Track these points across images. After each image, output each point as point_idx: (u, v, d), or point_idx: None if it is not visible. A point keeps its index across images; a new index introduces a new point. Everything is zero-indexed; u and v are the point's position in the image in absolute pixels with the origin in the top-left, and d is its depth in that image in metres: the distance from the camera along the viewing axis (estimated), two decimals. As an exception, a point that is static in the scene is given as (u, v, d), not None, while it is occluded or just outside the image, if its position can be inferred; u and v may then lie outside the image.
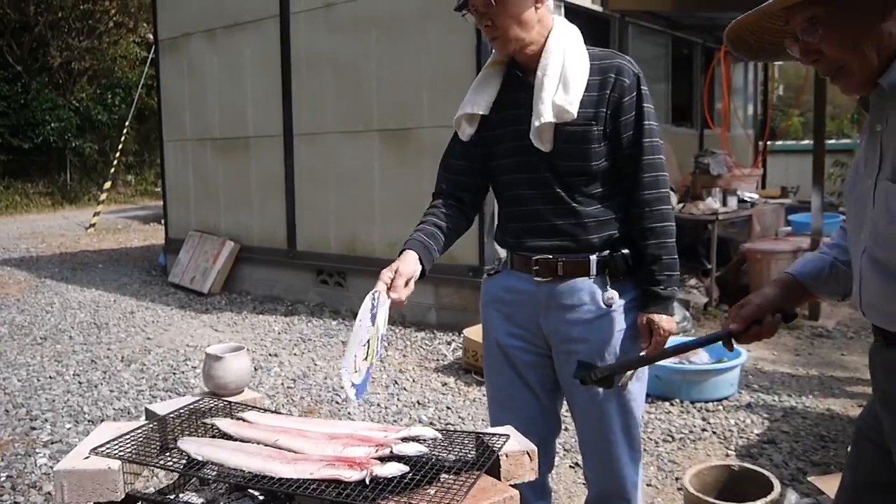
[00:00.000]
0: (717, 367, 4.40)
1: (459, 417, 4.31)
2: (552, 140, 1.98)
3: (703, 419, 4.12)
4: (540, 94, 1.95)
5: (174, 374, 5.06)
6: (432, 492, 1.37)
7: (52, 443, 3.89)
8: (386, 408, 4.44)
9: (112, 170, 15.92)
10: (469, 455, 1.55)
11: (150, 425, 1.70)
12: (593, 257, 2.03)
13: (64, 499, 1.51)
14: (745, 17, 1.37)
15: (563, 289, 2.05)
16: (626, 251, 2.05)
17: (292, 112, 7.11)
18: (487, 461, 1.48)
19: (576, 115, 1.93)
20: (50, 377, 4.98)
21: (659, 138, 2.03)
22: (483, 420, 4.25)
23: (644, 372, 2.17)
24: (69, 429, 4.09)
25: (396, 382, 4.91)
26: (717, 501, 2.63)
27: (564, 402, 2.25)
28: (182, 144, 8.37)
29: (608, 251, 2.04)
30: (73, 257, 10.36)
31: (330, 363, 5.32)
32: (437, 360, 5.37)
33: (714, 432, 3.96)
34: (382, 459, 1.47)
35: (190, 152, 8.27)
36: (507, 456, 1.53)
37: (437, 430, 1.62)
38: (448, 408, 4.46)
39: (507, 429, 1.67)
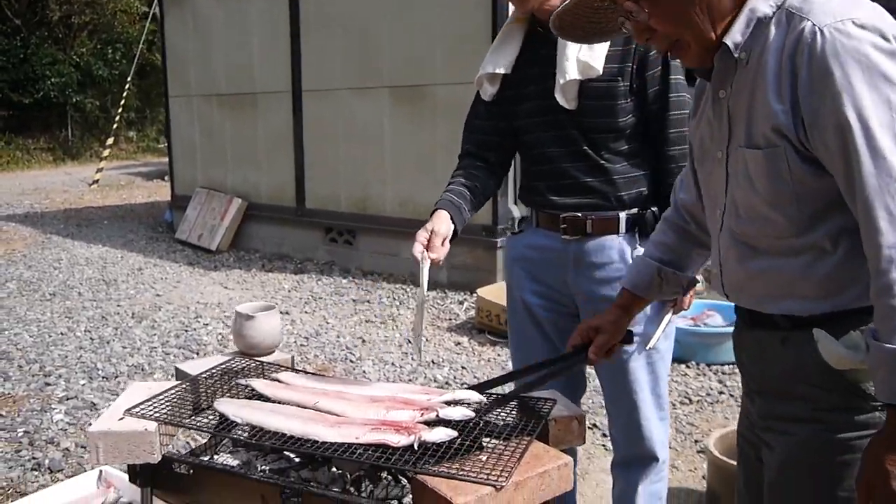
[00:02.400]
0: (731, 330, 4.36)
1: (475, 377, 4.28)
2: (577, 97, 1.91)
3: (720, 381, 4.10)
4: (564, 50, 1.88)
5: (186, 331, 5.02)
6: (483, 458, 1.33)
7: (67, 399, 3.87)
8: (400, 367, 4.42)
9: (114, 126, 15.72)
10: (515, 420, 1.51)
11: (183, 386, 1.66)
12: (623, 214, 1.98)
13: (99, 459, 1.47)
14: (566, 5, 1.31)
15: (591, 247, 2.00)
16: (655, 209, 2.00)
17: (301, 67, 6.97)
18: (537, 426, 1.44)
19: (601, 70, 1.87)
20: (61, 333, 4.95)
21: (685, 93, 1.96)
22: (498, 380, 4.22)
23: (672, 330, 2.13)
24: (83, 385, 4.07)
25: (409, 342, 4.88)
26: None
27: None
28: (188, 100, 8.24)
29: (637, 208, 1.99)
30: (78, 213, 10.28)
31: (341, 321, 5.28)
32: (450, 319, 5.34)
33: (731, 395, 3.93)
34: (428, 424, 1.43)
35: (196, 108, 8.14)
36: (555, 421, 1.49)
37: (480, 392, 1.57)
38: (462, 367, 4.43)
39: (552, 392, 1.62)
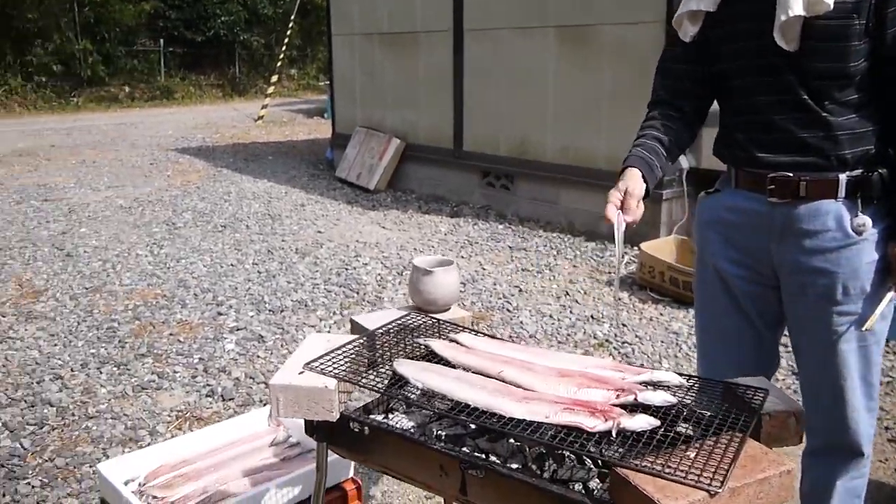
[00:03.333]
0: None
1: (636, 336, 4.09)
2: (800, 37, 1.64)
3: (915, 361, 3.69)
4: None
5: (346, 269, 5.12)
6: (691, 455, 1.18)
7: (237, 329, 4.04)
8: (559, 320, 4.29)
9: (278, 63, 16.28)
10: (721, 411, 1.34)
11: (360, 341, 1.60)
12: (843, 176, 1.71)
13: (279, 412, 1.45)
14: None
15: (803, 212, 1.75)
16: (883, 171, 1.71)
17: (463, 6, 6.80)
18: (750, 421, 1.27)
19: (832, 5, 1.58)
20: (231, 265, 5.18)
21: None
22: (662, 341, 4.02)
23: (890, 310, 1.86)
24: (252, 316, 4.23)
25: (567, 294, 4.74)
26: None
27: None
28: (349, 39, 8.30)
29: (861, 169, 1.71)
30: (245, 148, 10.75)
31: (498, 268, 5.20)
32: (609, 272, 5.13)
33: (929, 377, 3.53)
34: (624, 407, 1.29)
35: (357, 47, 8.19)
36: (769, 416, 1.31)
37: (679, 374, 1.41)
38: (623, 325, 4.25)
39: (760, 380, 1.44)
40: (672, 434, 1.25)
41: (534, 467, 1.41)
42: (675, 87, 1.92)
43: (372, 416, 1.54)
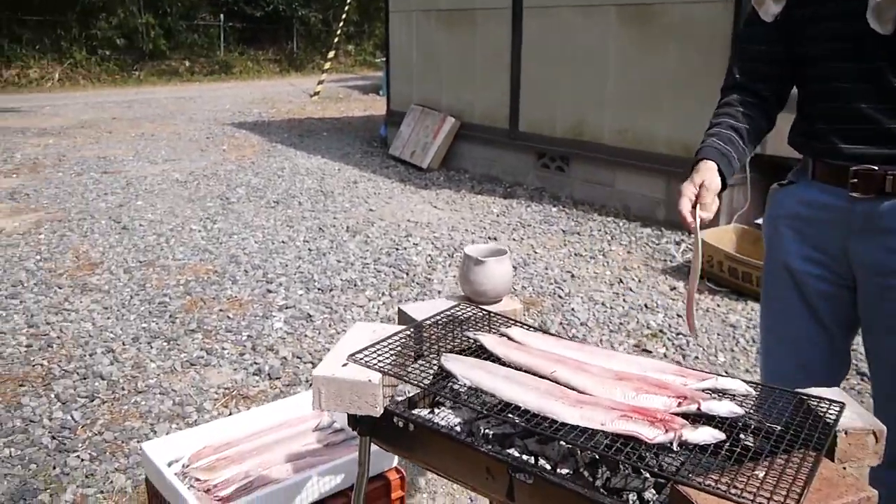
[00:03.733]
0: None
1: (692, 328, 3.95)
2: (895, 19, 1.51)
3: None
4: None
5: (396, 249, 5.08)
6: (760, 474, 1.08)
7: (286, 307, 4.03)
8: (611, 308, 4.18)
9: (335, 39, 16.29)
10: (790, 424, 1.24)
11: (407, 332, 1.54)
12: None
13: (321, 405, 1.40)
14: None
15: (887, 208, 1.62)
16: None
17: (523, -18, 6.66)
18: (825, 438, 1.17)
19: None
20: (282, 242, 5.18)
21: None
22: (718, 334, 3.88)
23: None
24: (301, 295, 4.22)
25: (621, 281, 4.61)
26: None
27: None
28: (407, 15, 8.21)
29: None
30: (300, 124, 10.79)
31: (549, 252, 5.10)
32: (665, 260, 4.98)
33: None
34: (686, 417, 1.20)
35: (414, 24, 8.10)
36: (846, 433, 1.21)
37: (745, 382, 1.31)
38: (678, 315, 4.12)
39: (835, 392, 1.33)
40: (738, 449, 1.15)
41: (586, 474, 1.33)
42: (754, 70, 1.80)
43: (417, 411, 1.48)
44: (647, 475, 1.28)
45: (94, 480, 2.50)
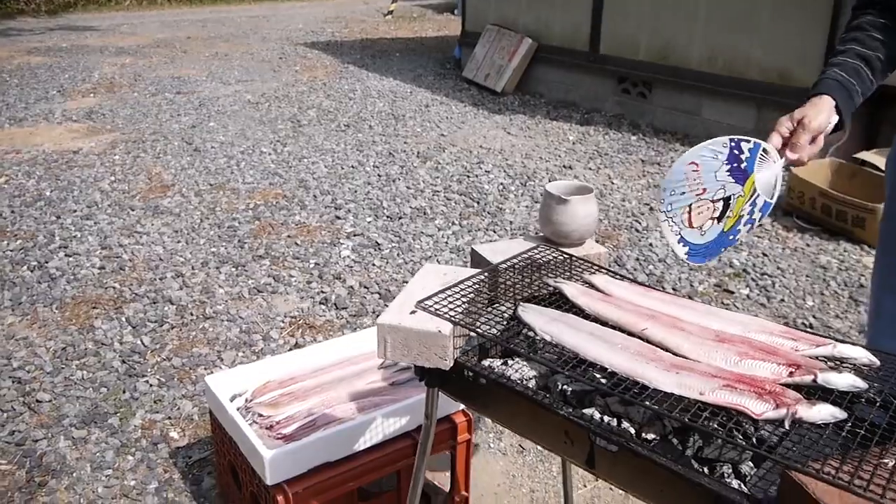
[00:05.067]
0: None
1: (778, 268, 3.72)
2: None
3: None
4: None
5: (468, 176, 4.92)
6: (889, 464, 0.93)
7: (354, 235, 3.96)
8: (693, 245, 3.95)
9: (410, -45, 15.79)
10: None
11: (481, 277, 1.41)
12: None
13: (387, 354, 1.29)
14: None
15: None
16: None
17: None
18: (966, 422, 1.00)
19: None
20: (352, 167, 5.08)
21: None
22: (807, 276, 3.64)
23: None
24: (369, 222, 4.14)
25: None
26: None
27: None
28: (485, -72, 7.80)
29: None
30: (373, 44, 10.56)
31: (627, 182, 4.87)
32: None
33: None
34: (799, 389, 1.05)
35: (493, -63, 7.70)
36: None
37: (865, 348, 1.14)
38: (764, 254, 3.87)
39: (975, 363, 1.15)
40: (862, 431, 1.00)
41: (675, 441, 1.19)
42: None
43: (489, 362, 1.36)
44: (728, 435, 1.13)
45: (163, 406, 2.51)
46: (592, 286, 1.37)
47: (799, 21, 4.89)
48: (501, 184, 4.79)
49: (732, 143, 1.36)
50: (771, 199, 1.43)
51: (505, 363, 1.38)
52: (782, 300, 3.43)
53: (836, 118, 1.45)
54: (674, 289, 3.49)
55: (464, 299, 1.34)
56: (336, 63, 8.99)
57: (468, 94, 7.37)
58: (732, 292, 3.48)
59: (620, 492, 2.24)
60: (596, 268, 1.48)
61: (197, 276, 3.43)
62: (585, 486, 2.27)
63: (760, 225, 4.26)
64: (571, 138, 5.87)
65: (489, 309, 1.42)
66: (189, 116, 6.35)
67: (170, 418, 2.46)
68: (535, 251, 1.51)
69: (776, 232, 4.19)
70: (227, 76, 8.12)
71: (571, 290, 1.33)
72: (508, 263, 1.46)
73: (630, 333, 1.21)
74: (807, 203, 4.27)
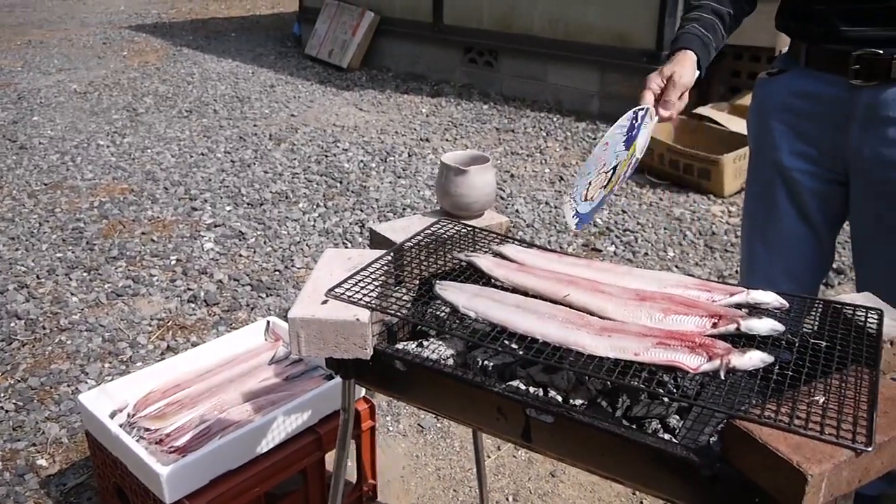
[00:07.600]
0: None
1: (638, 223, 3.89)
2: None
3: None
4: None
5: (326, 156, 4.79)
6: (819, 400, 0.97)
7: (215, 226, 3.75)
8: (556, 208, 4.06)
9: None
10: (834, 337, 1.12)
11: (387, 258, 1.35)
12: None
13: (301, 350, 1.21)
14: None
15: (893, 96, 1.49)
16: None
17: None
18: (874, 351, 1.06)
19: None
20: (202, 154, 4.81)
21: None
22: (665, 228, 3.83)
23: None
24: (229, 211, 3.94)
25: (562, 178, 4.49)
26: None
27: None
28: None
29: None
30: (205, 24, 10.04)
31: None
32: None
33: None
34: (724, 338, 1.07)
35: None
36: (891, 344, 1.10)
37: (777, 293, 1.18)
38: (623, 211, 4.04)
39: (867, 297, 1.22)
40: (789, 372, 1.03)
41: (604, 403, 1.20)
42: None
43: (403, 345, 1.30)
44: (668, 399, 1.15)
45: (24, 433, 2.27)
46: (504, 257, 1.35)
47: (632, -15, 5.10)
48: (361, 161, 4.70)
49: (633, 115, 1.37)
50: (641, 154, 1.47)
51: (420, 344, 1.33)
52: (646, 254, 3.59)
53: (698, 72, 1.50)
54: (545, 252, 3.57)
55: (376, 283, 1.27)
56: (168, 46, 8.47)
57: (313, 71, 7.16)
58: (600, 250, 3.60)
59: (524, 458, 2.27)
60: (501, 237, 1.45)
61: (44, 286, 3.13)
62: (489, 456, 2.28)
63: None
64: (424, 111, 5.85)
65: (401, 290, 1.36)
66: (8, 111, 5.77)
67: (34, 445, 2.23)
68: (438, 226, 1.46)
69: (631, 189, 4.38)
70: (45, 65, 7.45)
71: (486, 262, 1.30)
72: (413, 241, 1.41)
73: (553, 301, 1.19)
74: (656, 159, 4.48)
